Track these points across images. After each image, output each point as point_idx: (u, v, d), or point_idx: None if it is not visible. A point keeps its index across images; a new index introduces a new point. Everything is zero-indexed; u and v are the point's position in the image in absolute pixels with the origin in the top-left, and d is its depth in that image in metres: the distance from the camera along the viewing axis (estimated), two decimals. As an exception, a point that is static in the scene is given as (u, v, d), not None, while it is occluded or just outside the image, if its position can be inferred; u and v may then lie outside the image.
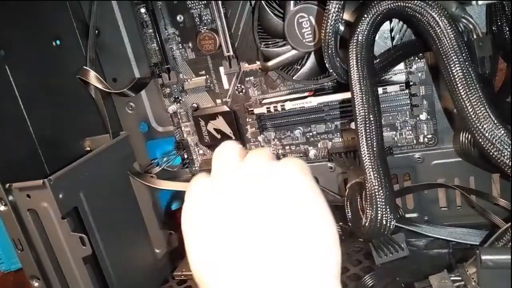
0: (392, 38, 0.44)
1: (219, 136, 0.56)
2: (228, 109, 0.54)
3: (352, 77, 0.32)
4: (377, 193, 0.32)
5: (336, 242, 0.23)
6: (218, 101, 0.55)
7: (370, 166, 0.32)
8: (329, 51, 0.34)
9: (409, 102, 0.48)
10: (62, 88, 0.51)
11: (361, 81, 0.32)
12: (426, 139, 0.50)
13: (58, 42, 0.52)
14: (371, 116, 0.32)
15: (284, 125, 0.53)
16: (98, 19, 0.54)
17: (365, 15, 0.33)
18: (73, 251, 0.42)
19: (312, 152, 0.54)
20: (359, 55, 0.32)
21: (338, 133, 0.52)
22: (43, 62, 0.49)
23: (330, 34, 0.33)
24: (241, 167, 0.26)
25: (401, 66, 0.47)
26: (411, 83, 0.45)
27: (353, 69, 0.32)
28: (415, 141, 0.50)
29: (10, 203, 0.41)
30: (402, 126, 0.50)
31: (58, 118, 0.50)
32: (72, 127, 0.52)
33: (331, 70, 0.36)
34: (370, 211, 0.32)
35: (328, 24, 0.33)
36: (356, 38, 0.32)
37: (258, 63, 0.51)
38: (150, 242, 0.55)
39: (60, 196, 0.41)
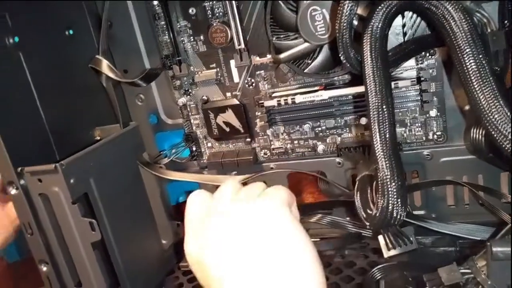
0: (404, 34, 0.44)
1: (228, 129, 0.56)
2: (237, 102, 0.55)
3: (365, 66, 0.32)
4: (389, 183, 0.32)
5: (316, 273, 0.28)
6: (228, 94, 0.56)
7: (383, 156, 0.32)
8: (344, 41, 0.34)
9: (419, 98, 0.48)
10: (74, 77, 0.51)
11: (375, 70, 0.32)
12: (435, 136, 0.50)
13: (71, 32, 0.52)
14: (384, 106, 0.32)
15: (293, 120, 0.54)
16: (111, 11, 0.54)
17: (380, 6, 0.33)
18: (82, 236, 0.42)
19: (320, 147, 0.54)
20: (373, 45, 0.32)
21: (347, 129, 0.52)
22: (55, 51, 0.49)
23: (345, 24, 0.34)
24: (237, 194, 0.33)
25: (411, 62, 0.47)
26: (422, 79, 0.45)
27: (367, 58, 0.32)
28: (424, 138, 0.50)
29: (21, 187, 0.41)
30: (411, 123, 0.50)
31: (70, 106, 0.50)
32: (83, 116, 0.52)
33: (345, 61, 0.36)
34: (382, 201, 0.32)
35: (343, 13, 0.33)
36: (370, 28, 0.33)
37: (269, 56, 0.51)
38: (157, 232, 0.56)
39: (71, 181, 0.41)
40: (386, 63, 0.33)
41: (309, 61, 0.48)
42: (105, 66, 0.50)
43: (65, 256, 0.44)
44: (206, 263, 0.29)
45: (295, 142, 0.55)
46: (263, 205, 0.30)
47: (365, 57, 0.33)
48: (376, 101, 0.32)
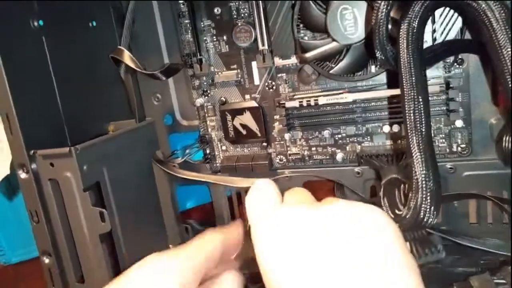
0: (434, 40, 0.44)
1: (244, 132, 0.55)
2: (256, 105, 0.54)
3: (401, 57, 0.31)
4: (423, 180, 0.30)
5: None
6: (247, 96, 0.55)
7: (418, 151, 0.30)
8: (380, 34, 0.33)
9: (445, 108, 0.47)
10: (93, 69, 0.51)
11: (411, 62, 0.31)
12: (459, 148, 0.48)
13: (94, 23, 0.52)
14: (420, 97, 0.30)
15: (312, 125, 0.52)
16: (135, 7, 0.54)
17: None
18: (90, 226, 0.40)
19: (339, 155, 0.53)
20: (409, 38, 0.32)
21: (368, 137, 0.51)
22: (77, 40, 0.49)
23: (382, 17, 0.33)
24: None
25: (439, 72, 0.46)
26: (451, 85, 0.44)
27: (403, 51, 0.31)
28: (448, 150, 0.49)
29: (32, 171, 0.40)
30: (435, 134, 0.49)
31: (86, 97, 0.49)
32: (98, 109, 0.51)
33: (379, 55, 0.35)
34: (414, 199, 0.31)
35: (381, 6, 0.33)
36: (407, 21, 0.32)
37: (292, 59, 0.50)
38: (165, 235, 0.54)
39: (84, 167, 0.40)
40: (421, 57, 0.32)
41: (333, 65, 0.47)
42: (126, 56, 0.49)
43: (70, 248, 0.42)
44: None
45: (313, 149, 0.54)
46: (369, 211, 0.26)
47: (401, 49, 0.32)
48: (412, 93, 0.30)
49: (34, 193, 0.40)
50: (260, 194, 0.29)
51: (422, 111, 0.31)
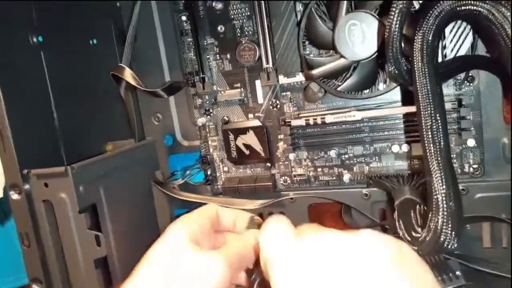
0: (444, 56, 0.42)
1: (247, 152, 0.53)
2: (260, 124, 0.52)
3: (416, 71, 0.30)
4: (444, 200, 0.28)
5: None
6: (250, 115, 0.53)
7: (437, 168, 0.28)
8: (394, 48, 0.32)
9: (456, 126, 0.45)
10: (92, 87, 0.49)
11: (426, 75, 0.29)
12: (471, 169, 0.47)
13: (95, 41, 0.51)
14: (437, 112, 0.29)
15: (318, 145, 0.50)
16: (137, 25, 0.53)
17: (431, 12, 0.31)
18: (85, 251, 0.38)
19: (346, 176, 0.51)
20: (424, 50, 0.30)
21: (376, 157, 0.49)
22: (77, 58, 0.48)
23: (396, 31, 0.31)
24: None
25: (450, 90, 0.45)
26: (463, 103, 0.43)
27: (418, 63, 0.30)
28: (459, 170, 0.47)
29: (24, 192, 0.38)
30: (446, 153, 0.47)
31: (84, 116, 0.48)
32: (96, 128, 0.49)
33: (393, 69, 0.33)
34: (434, 220, 0.29)
35: (394, 20, 0.31)
36: (422, 33, 0.31)
37: (297, 77, 0.49)
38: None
39: (81, 188, 0.38)
40: (437, 70, 0.31)
41: (339, 83, 0.46)
42: (127, 73, 0.48)
43: (62, 275, 0.39)
44: None
45: (319, 169, 0.52)
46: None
47: (415, 63, 0.30)
48: (429, 107, 0.29)
49: (26, 214, 0.38)
50: (274, 228, 0.29)
51: (440, 126, 0.29)
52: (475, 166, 0.46)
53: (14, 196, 0.38)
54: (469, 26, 0.41)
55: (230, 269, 0.32)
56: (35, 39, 0.42)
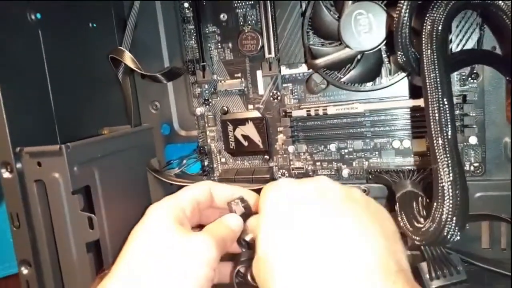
0: (450, 50, 0.42)
1: (246, 144, 0.52)
2: (260, 115, 0.51)
3: (425, 58, 0.29)
4: (450, 189, 0.27)
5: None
6: (250, 106, 0.52)
7: (444, 156, 0.28)
8: (403, 36, 0.31)
9: (459, 123, 0.44)
10: (89, 69, 0.48)
11: (435, 62, 0.29)
12: (472, 167, 0.46)
13: (94, 25, 0.50)
14: (445, 98, 0.28)
15: (318, 138, 0.50)
16: (138, 11, 0.52)
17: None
18: (77, 233, 0.37)
19: (345, 171, 0.50)
20: (434, 36, 0.30)
21: (376, 152, 0.48)
22: (75, 39, 0.47)
23: (405, 18, 0.31)
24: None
25: (454, 86, 0.44)
26: (467, 98, 0.42)
27: (426, 51, 0.29)
28: (460, 168, 0.46)
29: (16, 171, 0.36)
30: (447, 151, 0.46)
31: (81, 98, 0.47)
32: (93, 112, 0.48)
33: (401, 57, 0.33)
34: (439, 210, 0.28)
35: (403, 7, 0.31)
36: (431, 20, 0.30)
37: (300, 68, 0.49)
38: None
39: (75, 168, 0.37)
40: (446, 57, 0.30)
41: (342, 76, 0.45)
42: (126, 56, 0.47)
43: (52, 259, 0.38)
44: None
45: (318, 163, 0.51)
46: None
47: (424, 50, 0.30)
48: (437, 93, 0.28)
49: (17, 194, 0.36)
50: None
51: (448, 113, 0.28)
52: (476, 164, 0.46)
53: (6, 174, 0.37)
54: (476, 21, 0.41)
55: (217, 249, 0.31)
56: (33, 17, 0.41)
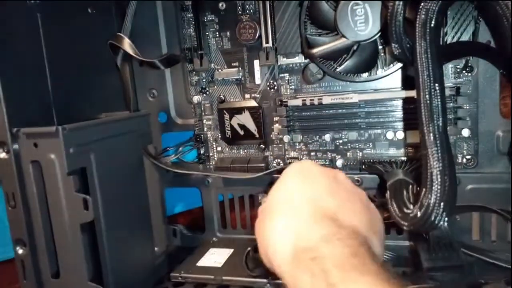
0: (445, 43, 0.42)
1: (242, 132, 0.53)
2: (256, 104, 0.52)
3: (418, 47, 0.30)
4: (438, 175, 0.28)
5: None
6: (247, 96, 0.53)
7: (434, 143, 0.28)
8: (397, 25, 0.31)
9: (452, 116, 0.45)
10: (88, 54, 0.49)
11: (428, 51, 0.29)
12: (465, 159, 0.47)
13: (93, 10, 0.50)
14: (436, 86, 0.29)
15: (313, 128, 0.50)
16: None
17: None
18: (72, 214, 0.37)
19: (339, 162, 0.50)
20: (427, 28, 0.30)
21: (370, 143, 0.49)
22: (74, 24, 0.47)
23: (399, 7, 0.31)
24: None
25: (448, 77, 0.45)
26: (460, 91, 0.43)
27: (419, 40, 0.30)
28: (452, 160, 0.47)
29: (13, 151, 0.37)
30: (440, 143, 0.47)
31: (79, 83, 0.47)
32: (90, 97, 0.48)
33: (395, 46, 0.33)
34: (428, 197, 0.28)
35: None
36: (425, 9, 0.30)
37: (296, 58, 0.49)
38: (151, 235, 0.50)
39: (71, 150, 0.37)
40: (439, 47, 0.30)
41: (338, 66, 0.45)
42: (126, 43, 0.47)
43: (46, 238, 0.38)
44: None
45: (312, 153, 0.52)
46: None
47: (417, 38, 0.30)
48: (428, 81, 0.29)
49: (13, 174, 0.37)
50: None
51: (439, 100, 0.29)
52: (468, 157, 0.46)
53: (2, 155, 0.37)
54: (471, 14, 0.41)
55: None
56: (32, 0, 0.41)
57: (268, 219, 0.32)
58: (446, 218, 0.29)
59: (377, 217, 0.33)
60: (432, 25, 0.30)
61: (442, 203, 0.28)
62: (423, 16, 0.30)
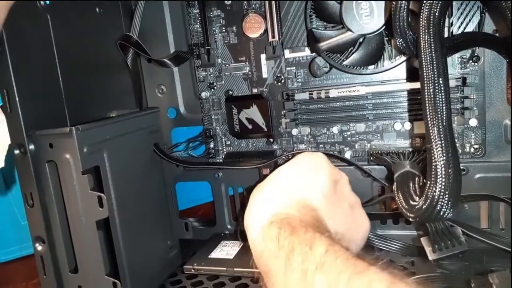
0: (451, 33, 0.42)
1: (250, 127, 0.53)
2: (264, 98, 0.52)
3: (422, 40, 0.30)
4: (443, 168, 0.28)
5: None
6: (254, 90, 0.53)
7: (438, 136, 0.28)
8: (401, 19, 0.32)
9: (459, 106, 0.45)
10: (97, 54, 0.49)
11: (432, 44, 0.29)
12: (472, 149, 0.47)
13: (101, 10, 0.51)
14: (440, 79, 0.29)
15: (321, 121, 0.51)
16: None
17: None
18: (87, 212, 0.38)
19: (347, 153, 0.51)
20: (430, 22, 0.30)
21: (378, 135, 0.49)
22: (84, 24, 0.48)
23: (402, 4, 0.31)
24: None
25: (454, 67, 0.45)
26: (467, 81, 0.43)
27: (423, 34, 0.30)
28: (460, 150, 0.47)
29: (29, 152, 0.38)
30: (448, 133, 0.47)
31: (89, 83, 0.48)
32: (101, 96, 0.49)
33: (399, 40, 0.33)
34: (432, 189, 0.29)
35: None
36: (429, 3, 0.31)
37: (302, 52, 0.49)
38: (164, 227, 0.51)
39: (85, 149, 0.38)
40: (442, 40, 0.31)
41: (344, 59, 0.46)
42: (135, 42, 0.48)
43: (64, 235, 0.40)
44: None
45: (321, 146, 0.52)
46: None
47: (421, 31, 0.30)
48: (432, 74, 0.29)
49: (31, 174, 0.38)
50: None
51: (443, 94, 0.29)
52: (476, 146, 0.47)
53: (19, 156, 0.38)
54: (477, 4, 0.41)
55: None
56: (42, 2, 0.42)
57: (257, 190, 0.36)
58: (451, 210, 0.30)
59: (360, 229, 0.38)
60: (436, 18, 0.30)
61: (446, 195, 0.29)
62: (427, 9, 0.31)
